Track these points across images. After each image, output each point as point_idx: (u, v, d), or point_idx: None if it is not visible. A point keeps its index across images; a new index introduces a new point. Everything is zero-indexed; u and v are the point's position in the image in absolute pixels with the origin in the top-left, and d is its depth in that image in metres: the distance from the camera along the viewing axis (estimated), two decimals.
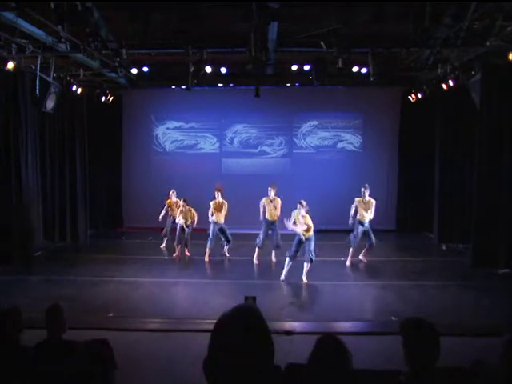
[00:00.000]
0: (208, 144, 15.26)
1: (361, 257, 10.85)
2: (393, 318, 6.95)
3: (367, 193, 10.47)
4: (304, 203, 9.07)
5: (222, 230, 10.86)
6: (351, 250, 10.61)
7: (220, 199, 10.82)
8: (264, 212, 10.70)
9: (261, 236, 10.66)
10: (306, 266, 8.99)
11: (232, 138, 15.20)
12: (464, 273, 9.77)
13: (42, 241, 12.03)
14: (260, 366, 1.35)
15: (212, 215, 10.71)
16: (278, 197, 10.77)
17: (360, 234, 10.49)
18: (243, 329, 1.36)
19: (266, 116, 14.85)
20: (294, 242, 9.08)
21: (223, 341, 1.35)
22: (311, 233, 9.03)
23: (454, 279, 9.28)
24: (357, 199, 10.55)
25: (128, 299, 8.35)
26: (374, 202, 10.53)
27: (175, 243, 11.15)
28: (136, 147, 15.16)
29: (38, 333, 3.62)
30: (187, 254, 11.30)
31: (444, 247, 12.28)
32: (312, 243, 9.00)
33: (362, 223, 10.47)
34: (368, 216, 10.45)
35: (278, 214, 10.57)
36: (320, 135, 15.10)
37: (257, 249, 10.58)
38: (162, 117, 15.23)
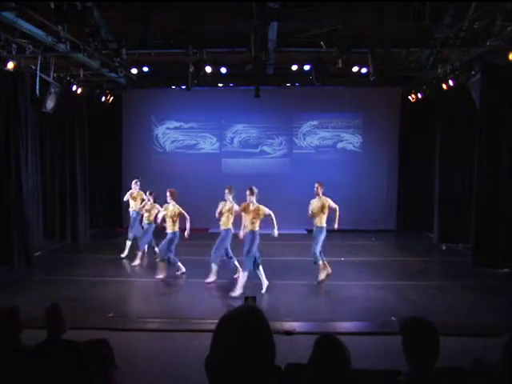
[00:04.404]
0: (208, 144, 15.26)
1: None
2: (393, 318, 6.95)
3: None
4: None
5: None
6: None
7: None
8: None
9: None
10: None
11: (232, 138, 15.20)
12: (464, 273, 9.77)
13: (42, 241, 12.04)
14: (261, 365, 1.35)
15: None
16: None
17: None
18: (245, 329, 1.36)
19: (265, 116, 14.85)
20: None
21: (225, 340, 1.36)
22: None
23: (454, 279, 9.28)
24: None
25: (128, 299, 8.35)
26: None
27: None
28: (136, 147, 15.16)
29: (37, 333, 3.62)
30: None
31: (444, 247, 12.28)
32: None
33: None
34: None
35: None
36: (320, 135, 15.10)
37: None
38: (161, 117, 15.23)
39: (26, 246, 10.27)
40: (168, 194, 9.33)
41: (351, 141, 15.07)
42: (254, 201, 8.40)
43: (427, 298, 8.16)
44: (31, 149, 10.79)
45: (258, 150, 15.14)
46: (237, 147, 15.19)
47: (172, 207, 9.25)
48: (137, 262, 10.39)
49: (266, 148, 15.14)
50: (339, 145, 15.10)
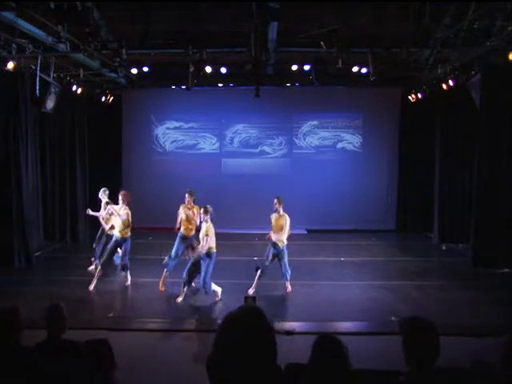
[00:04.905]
0: (208, 144, 15.26)
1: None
2: (393, 318, 6.95)
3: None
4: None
5: None
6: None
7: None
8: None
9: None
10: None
11: (232, 138, 15.21)
12: (464, 273, 9.78)
13: (42, 241, 12.04)
14: (263, 365, 1.35)
15: None
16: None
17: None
18: (247, 328, 1.37)
19: (266, 116, 14.86)
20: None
21: (227, 340, 1.36)
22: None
23: (454, 279, 9.28)
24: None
25: (128, 299, 8.35)
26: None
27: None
28: (136, 147, 15.16)
29: (37, 333, 3.62)
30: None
31: (444, 247, 12.29)
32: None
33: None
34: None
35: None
36: (320, 135, 15.10)
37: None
38: (161, 117, 15.24)
39: (26, 246, 10.28)
40: (120, 196, 8.80)
41: (351, 141, 15.08)
42: (209, 220, 7.76)
43: (427, 298, 8.17)
44: (31, 149, 10.79)
45: (257, 150, 15.14)
46: (237, 147, 15.19)
47: (123, 211, 8.76)
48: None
49: (266, 148, 15.15)
50: (339, 145, 15.10)
